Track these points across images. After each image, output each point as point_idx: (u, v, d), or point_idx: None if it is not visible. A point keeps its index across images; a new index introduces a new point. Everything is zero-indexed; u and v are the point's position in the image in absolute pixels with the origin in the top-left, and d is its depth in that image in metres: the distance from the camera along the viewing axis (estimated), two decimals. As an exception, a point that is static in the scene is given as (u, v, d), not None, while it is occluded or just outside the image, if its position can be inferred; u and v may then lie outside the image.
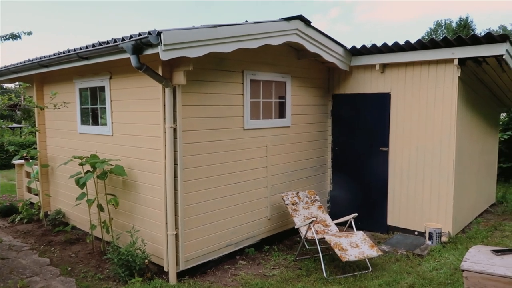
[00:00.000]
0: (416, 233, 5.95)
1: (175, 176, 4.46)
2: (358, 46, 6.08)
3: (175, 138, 4.42)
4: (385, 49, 5.83)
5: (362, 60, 6.15)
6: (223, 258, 5.13)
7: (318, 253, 4.75)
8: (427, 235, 5.37)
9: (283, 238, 5.97)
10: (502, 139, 9.35)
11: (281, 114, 5.92)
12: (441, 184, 5.67)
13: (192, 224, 4.67)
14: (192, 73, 4.47)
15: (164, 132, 4.39)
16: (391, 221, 6.22)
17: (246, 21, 4.68)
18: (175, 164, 4.44)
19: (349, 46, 6.13)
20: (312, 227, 4.86)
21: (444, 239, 5.40)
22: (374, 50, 5.94)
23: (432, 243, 5.30)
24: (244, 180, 5.32)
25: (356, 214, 5.11)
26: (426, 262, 4.81)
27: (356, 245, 4.52)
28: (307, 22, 5.32)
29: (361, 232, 4.81)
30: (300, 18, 5.20)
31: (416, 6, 65.89)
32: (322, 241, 4.79)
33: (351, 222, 5.11)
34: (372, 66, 6.14)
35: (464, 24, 40.64)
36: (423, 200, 5.85)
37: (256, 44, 4.68)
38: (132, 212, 5.13)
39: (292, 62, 5.92)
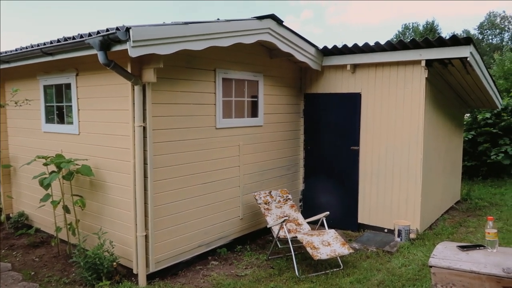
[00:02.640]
0: (385, 230, 6.07)
1: (145, 176, 4.35)
2: (330, 47, 6.14)
3: (144, 137, 4.31)
4: (356, 49, 5.91)
5: (334, 60, 6.21)
6: (194, 259, 5.05)
7: (291, 252, 4.76)
8: (396, 232, 5.49)
9: (256, 237, 5.96)
10: (466, 139, 9.69)
11: (254, 113, 5.90)
12: (409, 183, 5.80)
13: (162, 225, 4.58)
14: (163, 71, 4.38)
15: (134, 131, 4.27)
16: (361, 219, 6.32)
17: (218, 19, 4.63)
18: (145, 163, 4.34)
19: (321, 47, 6.18)
20: (284, 226, 4.86)
21: (412, 236, 5.53)
22: (345, 50, 6.02)
23: (401, 240, 5.41)
24: (216, 179, 5.26)
25: (328, 212, 5.15)
26: (395, 258, 4.90)
27: (327, 244, 4.56)
28: (279, 21, 5.32)
29: (332, 230, 4.86)
30: (272, 17, 5.20)
31: (385, 9, 67.56)
32: (294, 240, 4.80)
33: (323, 220, 5.15)
34: (343, 66, 6.22)
35: (431, 28, 42.02)
36: (392, 198, 5.98)
37: (228, 43, 4.64)
38: (100, 213, 4.98)
39: (264, 61, 5.91)
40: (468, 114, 10.32)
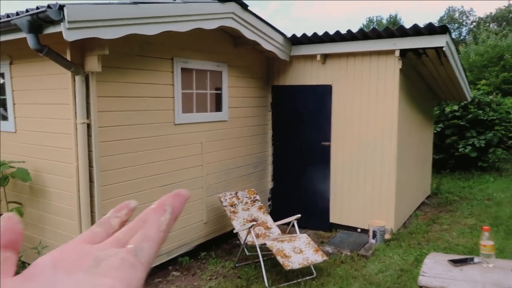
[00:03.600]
0: (359, 230, 5.76)
1: (91, 181, 3.77)
2: (299, 35, 5.71)
3: (89, 135, 3.72)
4: (327, 38, 5.51)
5: (303, 49, 5.79)
6: (153, 271, 4.52)
7: (259, 259, 4.32)
8: (370, 234, 5.17)
9: (222, 242, 5.49)
10: (434, 132, 9.59)
11: (217, 107, 5.39)
12: (383, 180, 5.50)
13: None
14: (110, 59, 3.79)
15: (76, 129, 3.68)
16: (333, 218, 5.98)
17: (175, 0, 4.08)
18: (90, 166, 3.75)
19: (289, 35, 5.74)
20: (252, 231, 4.42)
21: (387, 236, 5.24)
22: (315, 39, 5.60)
23: (376, 241, 5.10)
24: (177, 181, 4.74)
25: (299, 215, 4.75)
26: (371, 263, 4.58)
27: (299, 251, 4.16)
28: (244, 6, 4.82)
29: (304, 235, 4.46)
30: (236, 0, 4.70)
31: (349, 3, 68.23)
32: (264, 247, 4.37)
33: (293, 223, 4.74)
34: (313, 57, 5.81)
35: (394, 21, 42.69)
36: (365, 196, 5.66)
37: (186, 27, 4.10)
38: (42, 223, 4.34)
39: (228, 49, 5.41)
40: (436, 107, 10.24)
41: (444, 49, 4.85)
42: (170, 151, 4.61)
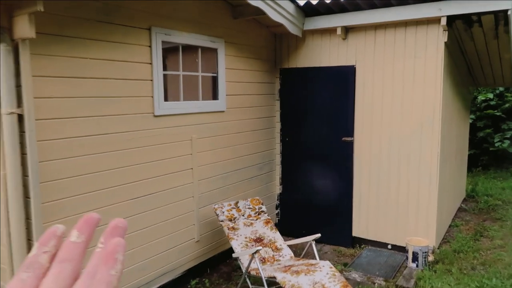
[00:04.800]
0: (389, 246, 4.63)
1: (26, 196, 2.65)
2: (314, 2, 4.54)
3: (22, 131, 2.60)
4: (350, 6, 4.34)
5: (319, 21, 4.62)
6: (126, 309, 3.43)
7: (266, 296, 3.21)
8: (410, 256, 4.02)
9: (218, 263, 4.38)
10: (465, 124, 8.40)
11: (213, 94, 4.27)
12: (421, 185, 4.36)
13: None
14: (55, 24, 2.68)
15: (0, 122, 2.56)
16: (357, 232, 4.85)
17: None
18: (25, 175, 2.64)
19: (301, 3, 4.58)
20: (256, 258, 3.30)
21: (430, 257, 4.09)
22: (335, 7, 4.43)
23: (417, 266, 3.96)
24: (158, 190, 3.63)
25: (319, 235, 3.63)
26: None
27: (321, 287, 3.03)
28: (244, -41, 3.67)
29: (327, 263, 3.33)
30: (234, -49, 3.55)
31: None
32: (273, 280, 3.25)
33: (311, 245, 3.62)
34: (332, 31, 4.65)
35: None
36: (398, 205, 4.52)
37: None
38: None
39: (226, 22, 4.27)
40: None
41: (509, 13, 3.67)
42: (147, 151, 3.49)
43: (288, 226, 5.28)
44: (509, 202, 6.41)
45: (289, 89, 5.09)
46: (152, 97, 3.50)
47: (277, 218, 5.39)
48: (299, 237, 5.19)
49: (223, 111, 4.30)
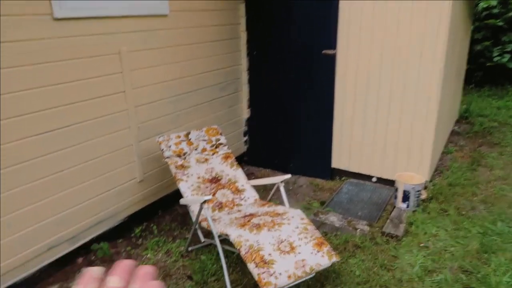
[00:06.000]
0: (374, 179, 3.97)
1: None
2: None
3: None
4: None
5: None
6: (46, 271, 2.72)
7: (220, 257, 2.51)
8: (399, 195, 3.33)
9: (170, 204, 3.66)
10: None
11: (150, -10, 3.16)
12: (418, 107, 3.55)
13: None
14: None
15: None
16: (337, 163, 4.13)
17: None
18: None
19: None
20: (206, 209, 2.54)
21: (422, 195, 3.43)
22: None
23: (407, 206, 3.30)
24: (79, 121, 2.73)
25: (289, 175, 2.85)
26: (407, 253, 2.79)
27: (290, 247, 2.32)
28: None
29: (297, 212, 2.60)
30: None
31: None
32: (227, 238, 2.52)
33: (279, 187, 2.86)
34: None
35: None
36: (388, 134, 3.75)
37: None
38: None
39: None
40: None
41: None
42: (54, 69, 2.51)
43: (257, 156, 4.55)
44: (505, 123, 5.75)
45: (257, -13, 3.97)
46: (50, -11, 2.42)
47: (245, 147, 4.62)
48: (271, 168, 4.51)
49: (165, 15, 3.23)
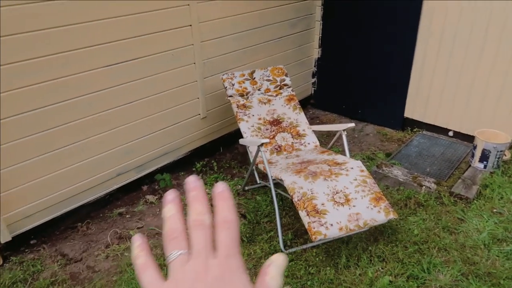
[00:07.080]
0: (450, 133, 3.63)
1: None
2: None
3: None
4: None
5: None
6: (114, 195, 2.95)
7: (273, 198, 2.51)
8: (477, 153, 3.00)
9: (231, 142, 3.68)
10: None
11: None
12: (516, 56, 3.06)
13: (22, 157, 2.34)
14: None
15: None
16: (411, 112, 3.82)
17: None
18: None
19: None
20: (263, 152, 2.50)
21: (506, 156, 3.07)
22: None
23: (485, 167, 2.98)
24: (145, 54, 2.75)
25: (353, 124, 2.67)
26: (476, 217, 2.56)
27: (345, 199, 2.23)
28: None
29: (358, 163, 2.46)
30: None
31: None
32: (282, 182, 2.48)
33: (341, 135, 2.72)
34: None
35: None
36: (475, 80, 3.33)
37: None
38: None
39: None
40: None
41: None
42: (117, 2, 2.50)
43: (325, 99, 4.36)
44: None
45: None
46: None
47: (312, 89, 4.43)
48: (337, 113, 4.32)
49: None
